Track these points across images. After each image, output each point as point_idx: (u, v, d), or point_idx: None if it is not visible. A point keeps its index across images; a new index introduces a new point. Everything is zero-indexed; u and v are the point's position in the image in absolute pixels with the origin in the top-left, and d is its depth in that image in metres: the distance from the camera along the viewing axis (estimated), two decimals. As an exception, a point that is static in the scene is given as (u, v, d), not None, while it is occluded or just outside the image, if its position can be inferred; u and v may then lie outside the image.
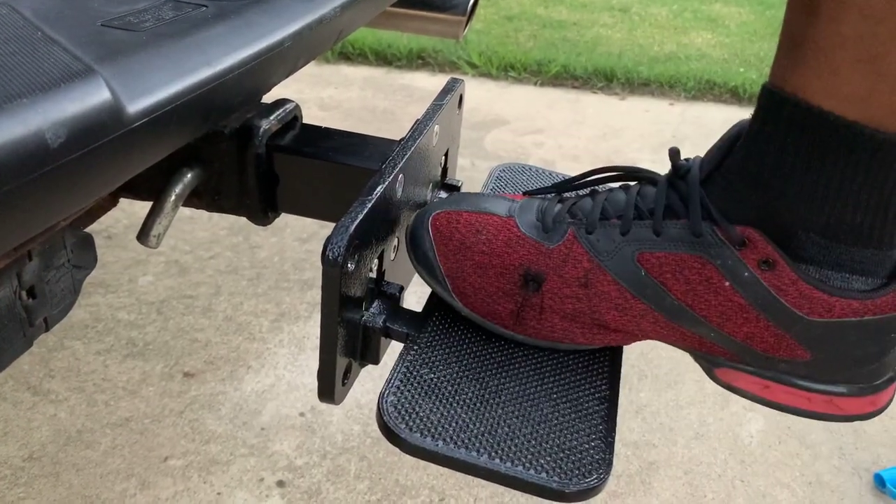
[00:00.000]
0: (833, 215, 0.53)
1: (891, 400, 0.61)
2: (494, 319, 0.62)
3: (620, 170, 0.66)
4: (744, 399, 1.05)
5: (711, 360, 0.62)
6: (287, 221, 1.95)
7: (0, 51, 0.42)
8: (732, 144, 0.58)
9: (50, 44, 0.44)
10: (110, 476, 1.23)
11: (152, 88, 0.45)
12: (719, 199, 0.57)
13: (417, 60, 3.06)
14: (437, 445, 0.51)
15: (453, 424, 0.53)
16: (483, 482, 1.27)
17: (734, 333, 0.58)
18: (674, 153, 0.61)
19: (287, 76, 0.63)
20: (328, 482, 1.25)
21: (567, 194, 0.67)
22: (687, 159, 0.61)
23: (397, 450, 0.54)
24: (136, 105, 0.43)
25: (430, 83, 2.94)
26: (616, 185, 0.66)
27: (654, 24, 3.70)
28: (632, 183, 0.65)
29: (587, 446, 0.53)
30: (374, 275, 0.62)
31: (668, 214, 0.59)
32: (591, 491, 0.51)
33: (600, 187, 0.67)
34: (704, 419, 1.42)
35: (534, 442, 0.53)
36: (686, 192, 0.58)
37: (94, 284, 1.67)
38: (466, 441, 0.52)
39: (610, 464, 0.53)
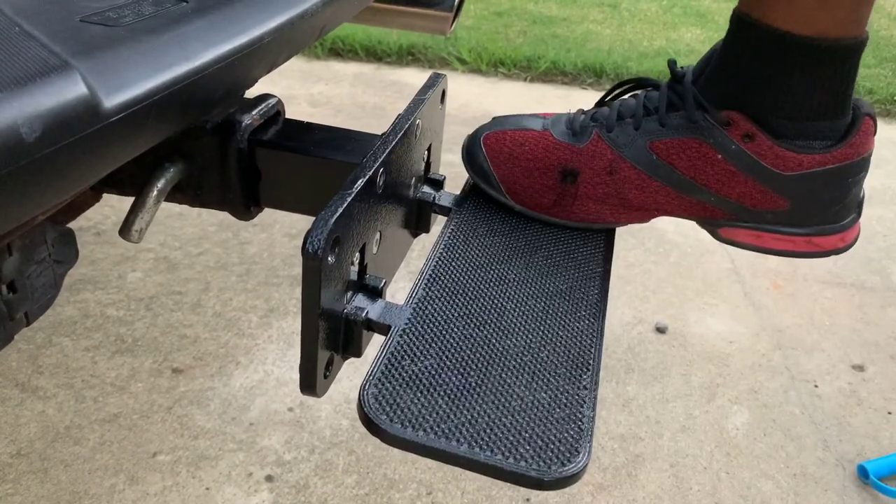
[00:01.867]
0: (794, 103, 0.71)
1: (857, 237, 0.79)
2: (539, 209, 0.80)
3: (631, 81, 0.84)
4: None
5: (714, 224, 0.79)
6: (276, 218, 1.95)
7: (-23, 46, 0.42)
8: (714, 56, 0.76)
9: (27, 39, 0.44)
10: (99, 472, 1.24)
11: (130, 83, 0.45)
12: (707, 94, 0.74)
13: (407, 57, 3.06)
14: (418, 435, 0.52)
15: (434, 415, 0.53)
16: (470, 475, 1.28)
17: (729, 195, 0.75)
18: (672, 63, 0.79)
19: (268, 71, 0.63)
20: (316, 476, 1.25)
21: (588, 108, 0.83)
22: (682, 67, 0.79)
23: (385, 445, 0.54)
24: (112, 100, 0.43)
25: (420, 79, 2.94)
26: (627, 95, 0.84)
27: (643, 19, 3.71)
28: (639, 91, 0.82)
29: (566, 436, 0.54)
30: (356, 268, 0.62)
31: (670, 109, 0.76)
32: (569, 479, 0.51)
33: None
34: (691, 412, 1.43)
35: (513, 431, 0.53)
36: (682, 91, 0.76)
37: (83, 281, 1.67)
38: (446, 431, 0.52)
39: (588, 453, 0.53)
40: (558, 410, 0.56)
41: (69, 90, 0.41)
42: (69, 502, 1.18)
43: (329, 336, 0.58)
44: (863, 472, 1.31)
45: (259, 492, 1.22)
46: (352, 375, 1.45)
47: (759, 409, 1.44)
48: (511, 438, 0.53)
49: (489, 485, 1.25)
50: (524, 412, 0.55)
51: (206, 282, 1.70)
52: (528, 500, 1.23)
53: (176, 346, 1.51)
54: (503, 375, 0.58)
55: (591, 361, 0.62)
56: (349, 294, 0.61)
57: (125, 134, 0.45)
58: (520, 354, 0.61)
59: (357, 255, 0.62)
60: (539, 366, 0.60)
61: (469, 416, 0.54)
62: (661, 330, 1.63)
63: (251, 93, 0.74)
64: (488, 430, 0.53)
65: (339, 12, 0.77)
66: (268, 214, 1.95)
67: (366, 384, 0.56)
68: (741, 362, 1.56)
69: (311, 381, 0.58)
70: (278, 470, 1.26)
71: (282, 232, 1.90)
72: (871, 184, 2.24)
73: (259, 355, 1.50)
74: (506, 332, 0.63)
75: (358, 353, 0.63)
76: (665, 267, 1.86)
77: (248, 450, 1.29)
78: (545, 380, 0.59)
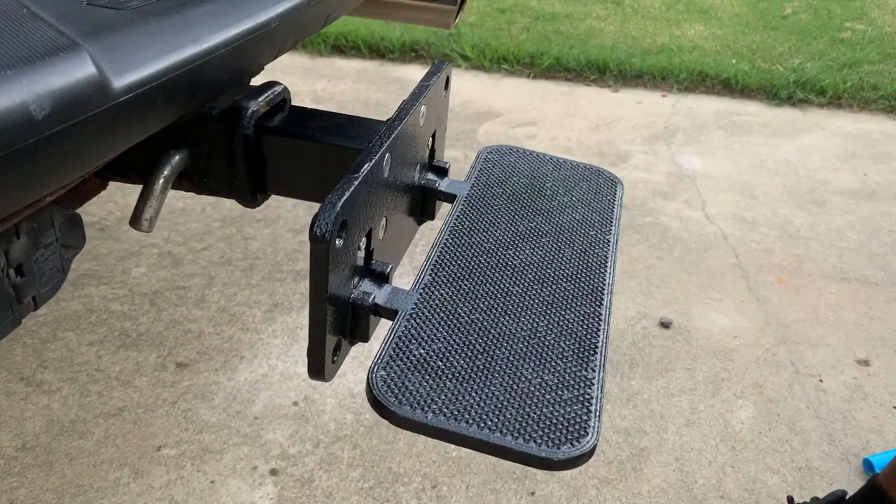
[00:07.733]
0: None
1: None
2: None
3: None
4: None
5: None
6: (280, 213, 1.95)
7: (-15, 26, 0.42)
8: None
9: (35, 20, 0.44)
10: (104, 465, 1.24)
11: (138, 64, 0.45)
12: None
13: (410, 53, 3.06)
14: (427, 417, 0.52)
15: (442, 396, 0.53)
16: (475, 468, 1.28)
17: None
18: (791, 499, 1.12)
19: (275, 57, 0.63)
20: (321, 470, 1.25)
21: None
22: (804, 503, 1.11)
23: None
24: (121, 80, 0.43)
25: (423, 76, 2.94)
26: None
27: (646, 16, 3.70)
28: None
29: (575, 417, 0.54)
30: (362, 253, 0.62)
31: None
32: (579, 460, 0.51)
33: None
34: (695, 406, 1.43)
35: (522, 412, 0.53)
36: None
37: (87, 276, 1.67)
38: (455, 412, 0.52)
39: (597, 433, 0.53)
40: (566, 392, 0.56)
41: (78, 70, 0.41)
42: (74, 496, 1.18)
43: (337, 321, 0.58)
44: (868, 466, 1.30)
45: (264, 485, 1.22)
46: (356, 369, 1.45)
47: (763, 403, 1.44)
48: (520, 419, 0.53)
49: (494, 478, 1.25)
50: (532, 394, 0.55)
51: (210, 277, 1.70)
52: (532, 493, 1.23)
53: (180, 340, 1.51)
54: (510, 358, 0.58)
55: (598, 344, 0.62)
56: (356, 279, 0.61)
57: (134, 115, 0.45)
58: (526, 338, 0.61)
59: (364, 240, 0.62)
60: (546, 349, 0.60)
61: (477, 398, 0.54)
62: (665, 325, 1.63)
63: (256, 81, 0.73)
64: (497, 412, 0.53)
65: (344, 1, 0.77)
66: (272, 210, 1.95)
67: (374, 367, 0.56)
68: (746, 357, 1.56)
69: (320, 365, 0.58)
70: (283, 463, 1.26)
71: (286, 227, 1.90)
72: (876, 179, 2.24)
73: (263, 350, 1.50)
74: (512, 315, 0.63)
75: (365, 338, 0.63)
76: (669, 262, 1.86)
77: (253, 443, 1.29)
78: (552, 362, 0.59)
